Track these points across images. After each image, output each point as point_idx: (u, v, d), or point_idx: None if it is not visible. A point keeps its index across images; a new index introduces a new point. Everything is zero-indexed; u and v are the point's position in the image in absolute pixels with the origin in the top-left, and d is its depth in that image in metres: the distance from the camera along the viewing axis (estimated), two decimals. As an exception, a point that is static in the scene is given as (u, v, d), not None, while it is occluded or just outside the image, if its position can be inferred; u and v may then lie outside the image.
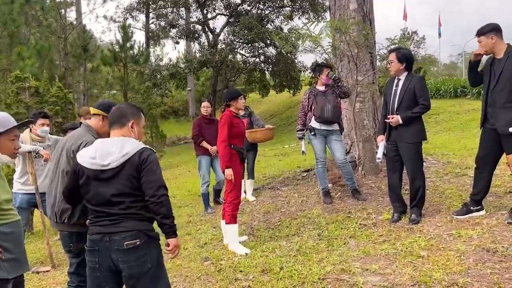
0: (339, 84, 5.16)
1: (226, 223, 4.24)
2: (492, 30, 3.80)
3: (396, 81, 4.29)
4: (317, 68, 5.43)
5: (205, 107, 6.11)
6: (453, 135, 9.94)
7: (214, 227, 5.18)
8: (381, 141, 4.40)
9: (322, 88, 5.25)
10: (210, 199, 6.21)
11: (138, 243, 2.24)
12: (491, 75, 3.87)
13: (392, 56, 4.26)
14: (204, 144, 5.90)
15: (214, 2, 23.55)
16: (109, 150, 2.27)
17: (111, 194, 2.25)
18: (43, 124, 4.75)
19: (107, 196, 2.25)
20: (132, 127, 2.40)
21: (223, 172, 4.21)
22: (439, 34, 35.59)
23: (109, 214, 2.26)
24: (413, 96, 4.13)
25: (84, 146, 2.65)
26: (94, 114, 3.01)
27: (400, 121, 4.12)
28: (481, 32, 3.86)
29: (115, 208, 2.26)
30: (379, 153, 4.41)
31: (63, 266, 4.61)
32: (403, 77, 4.23)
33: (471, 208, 4.14)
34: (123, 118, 2.39)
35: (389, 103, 4.30)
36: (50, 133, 5.07)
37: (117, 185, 2.25)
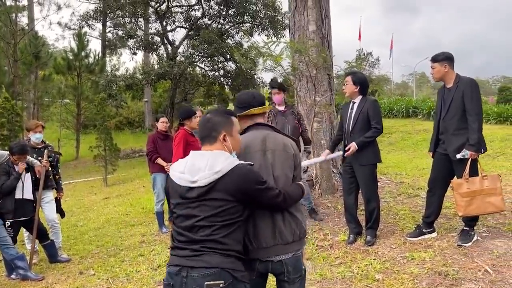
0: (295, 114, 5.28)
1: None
2: (446, 59, 3.98)
3: (351, 104, 4.38)
4: (269, 84, 5.54)
5: (164, 123, 6.08)
6: (405, 155, 10.29)
7: (169, 248, 4.99)
8: (325, 155, 4.63)
9: (281, 108, 5.26)
10: (165, 218, 6.02)
11: (221, 285, 1.87)
12: (442, 104, 4.03)
13: (348, 79, 4.36)
14: (159, 161, 5.75)
15: (173, 15, 23.34)
16: (199, 165, 1.99)
17: (196, 217, 1.95)
18: None
19: (193, 219, 1.96)
20: (224, 139, 2.09)
21: None
22: (390, 55, 37.18)
23: (192, 241, 1.95)
24: (366, 119, 4.22)
25: None
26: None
27: (356, 147, 4.18)
28: (435, 59, 4.02)
29: (198, 235, 1.94)
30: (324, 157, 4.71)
31: (2, 292, 4.28)
32: (358, 100, 4.33)
33: (424, 230, 4.26)
34: (213, 131, 2.09)
35: (345, 126, 4.39)
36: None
37: (203, 207, 1.95)
